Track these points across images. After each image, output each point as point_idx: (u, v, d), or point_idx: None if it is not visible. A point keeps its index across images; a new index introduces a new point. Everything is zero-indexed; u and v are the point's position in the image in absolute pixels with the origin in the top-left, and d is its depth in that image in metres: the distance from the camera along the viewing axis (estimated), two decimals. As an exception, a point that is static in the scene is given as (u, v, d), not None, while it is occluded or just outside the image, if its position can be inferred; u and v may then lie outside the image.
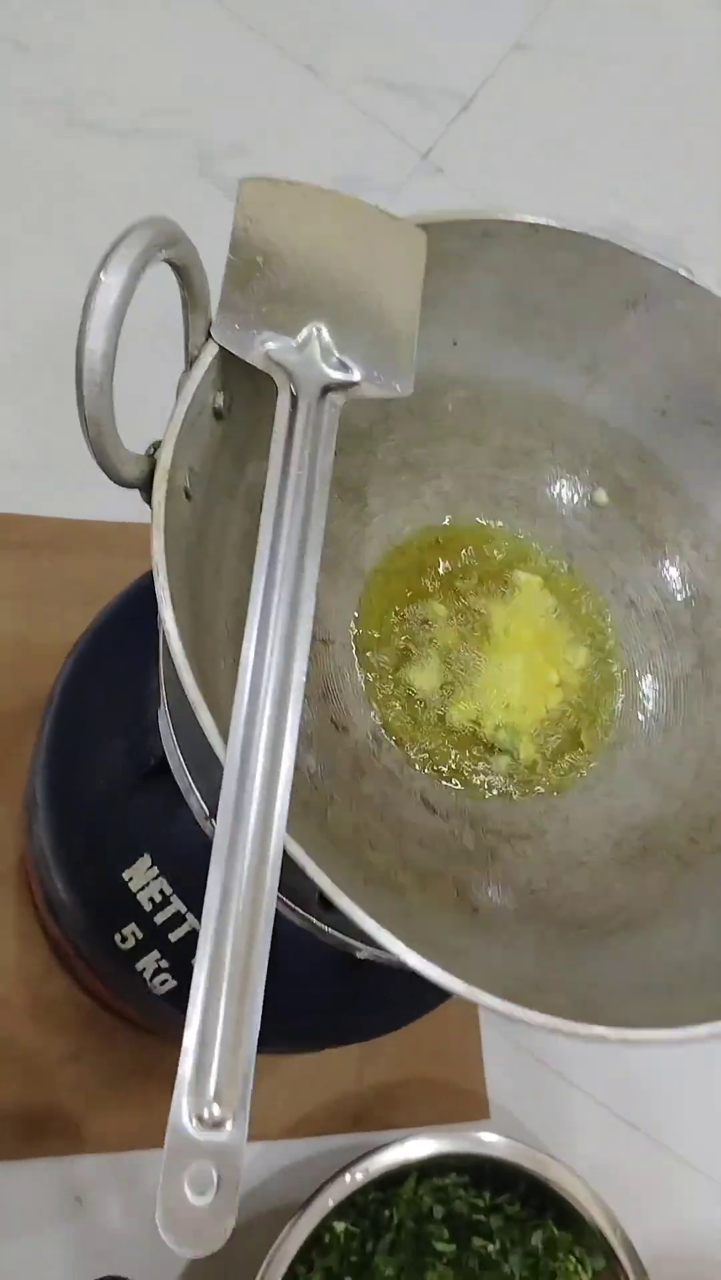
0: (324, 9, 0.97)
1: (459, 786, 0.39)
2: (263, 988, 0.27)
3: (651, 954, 0.34)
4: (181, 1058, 0.26)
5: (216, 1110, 0.25)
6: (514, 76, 1.01)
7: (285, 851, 0.29)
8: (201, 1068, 0.26)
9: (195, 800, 0.38)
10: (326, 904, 0.39)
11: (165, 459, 0.31)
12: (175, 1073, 0.26)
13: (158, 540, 0.30)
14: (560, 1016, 0.29)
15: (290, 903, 0.39)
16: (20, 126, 0.85)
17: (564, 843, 0.38)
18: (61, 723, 0.53)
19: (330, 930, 0.39)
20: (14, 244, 0.82)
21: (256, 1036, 0.27)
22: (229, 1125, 0.26)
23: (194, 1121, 0.25)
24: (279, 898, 0.39)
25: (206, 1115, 0.25)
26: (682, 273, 0.38)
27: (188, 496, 0.33)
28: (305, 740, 0.37)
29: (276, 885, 0.28)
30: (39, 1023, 0.67)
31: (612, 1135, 0.75)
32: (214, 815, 0.29)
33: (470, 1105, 0.72)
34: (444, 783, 0.39)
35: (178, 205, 0.35)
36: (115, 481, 0.31)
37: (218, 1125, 0.26)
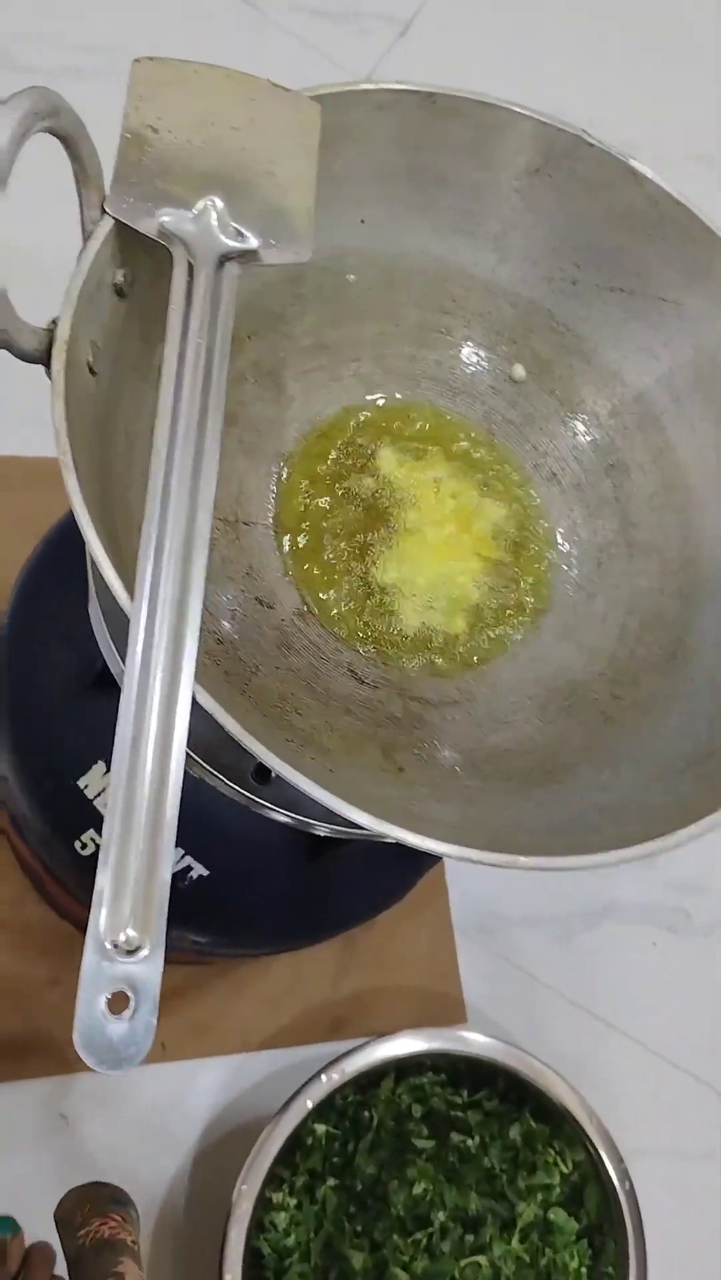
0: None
1: (385, 659, 0.40)
2: (175, 827, 0.28)
3: (572, 799, 0.35)
4: (95, 891, 0.27)
5: (133, 934, 0.26)
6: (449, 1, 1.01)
7: (203, 719, 0.30)
8: (117, 899, 0.27)
9: (127, 683, 0.39)
10: (261, 777, 0.40)
11: (64, 329, 0.32)
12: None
13: (58, 407, 0.31)
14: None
15: (228, 780, 0.39)
16: (-49, 69, 0.85)
17: (491, 706, 0.39)
18: (12, 645, 0.53)
19: (270, 806, 0.40)
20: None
21: (170, 870, 0.27)
22: (144, 952, 0.26)
23: (110, 947, 0.26)
24: (218, 777, 0.40)
25: (123, 940, 0.26)
26: (581, 134, 0.38)
27: (92, 371, 0.33)
28: (228, 615, 0.37)
29: (186, 730, 0.29)
30: (17, 950, 0.68)
31: (589, 1035, 0.76)
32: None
33: (447, 1009, 0.73)
34: (370, 656, 0.39)
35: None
36: (14, 354, 0.32)
37: (133, 952, 0.26)
